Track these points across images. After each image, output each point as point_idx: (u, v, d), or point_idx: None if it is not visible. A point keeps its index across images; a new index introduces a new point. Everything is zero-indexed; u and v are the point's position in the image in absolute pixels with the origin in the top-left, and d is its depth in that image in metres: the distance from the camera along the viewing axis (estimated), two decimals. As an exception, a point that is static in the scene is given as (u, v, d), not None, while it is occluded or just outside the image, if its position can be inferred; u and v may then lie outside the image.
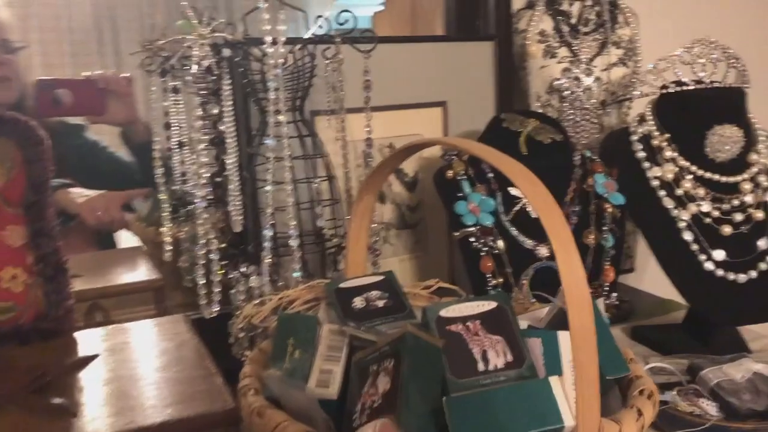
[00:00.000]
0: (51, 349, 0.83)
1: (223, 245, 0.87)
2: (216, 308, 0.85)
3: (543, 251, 0.90)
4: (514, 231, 0.89)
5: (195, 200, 0.82)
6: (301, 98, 0.84)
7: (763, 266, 0.97)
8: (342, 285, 0.74)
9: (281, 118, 0.78)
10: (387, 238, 1.00)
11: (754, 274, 0.96)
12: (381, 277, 0.75)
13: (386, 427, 0.48)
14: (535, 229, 0.91)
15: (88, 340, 0.85)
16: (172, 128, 1.10)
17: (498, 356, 0.58)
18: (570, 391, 0.53)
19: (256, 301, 0.81)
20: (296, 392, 0.57)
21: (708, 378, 0.83)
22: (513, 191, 0.90)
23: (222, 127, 0.81)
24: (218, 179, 0.84)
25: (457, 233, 0.89)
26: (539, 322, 0.69)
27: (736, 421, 0.79)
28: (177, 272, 1.15)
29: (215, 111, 0.80)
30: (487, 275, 0.87)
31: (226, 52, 0.80)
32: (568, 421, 0.50)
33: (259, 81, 0.81)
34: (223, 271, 0.87)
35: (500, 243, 0.88)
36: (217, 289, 0.85)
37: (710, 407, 0.81)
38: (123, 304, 1.12)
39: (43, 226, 0.84)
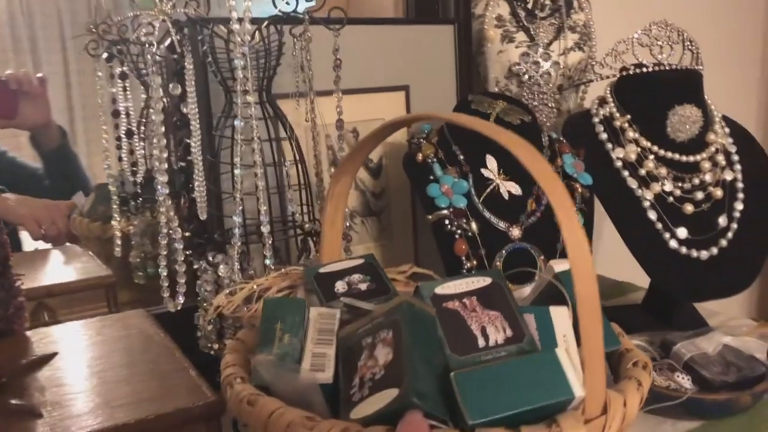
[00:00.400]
0: (2, 349, 0.77)
1: (187, 234, 0.82)
2: (181, 300, 0.81)
3: (515, 233, 0.89)
4: (486, 213, 0.88)
5: (157, 186, 0.77)
6: (269, 78, 0.80)
7: (723, 243, 0.99)
8: (322, 270, 0.71)
9: (249, 98, 0.74)
10: (351, 225, 0.97)
11: (715, 251, 0.99)
12: (361, 261, 0.73)
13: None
14: (507, 210, 0.90)
15: (42, 339, 0.80)
16: (121, 116, 1.06)
17: (498, 332, 0.57)
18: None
19: (227, 291, 0.77)
20: (291, 377, 0.54)
21: (681, 352, 0.84)
22: (485, 173, 0.89)
23: (185, 109, 0.77)
24: (182, 164, 0.79)
25: (431, 216, 0.87)
26: (524, 301, 0.68)
27: (710, 393, 0.80)
28: (126, 268, 1.10)
29: (177, 92, 0.75)
30: (462, 258, 0.86)
31: (189, 29, 0.76)
32: (578, 392, 0.50)
33: (225, 60, 0.77)
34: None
35: (473, 225, 0.87)
36: (182, 280, 0.80)
37: (685, 381, 0.82)
38: (71, 303, 1.06)
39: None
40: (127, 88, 1.04)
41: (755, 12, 1.88)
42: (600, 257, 1.35)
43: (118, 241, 1.06)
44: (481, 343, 0.56)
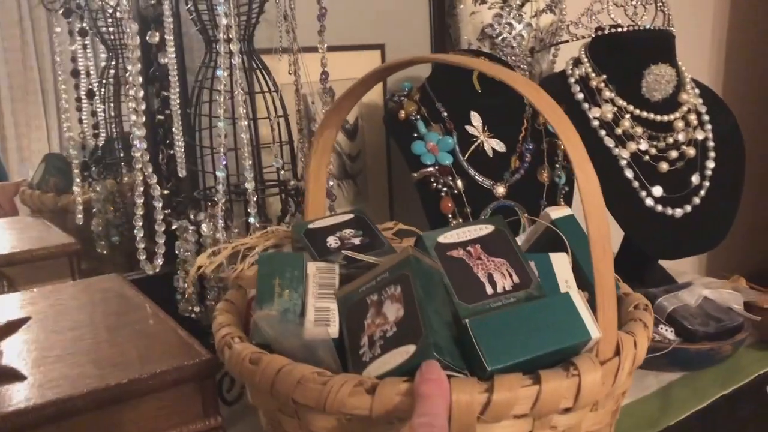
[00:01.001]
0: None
1: (166, 192, 0.79)
2: (160, 262, 0.77)
3: (500, 190, 0.88)
4: (471, 171, 0.87)
5: (133, 142, 0.73)
6: (251, 27, 0.77)
7: (696, 201, 1.01)
8: (311, 226, 0.69)
9: (233, 47, 0.71)
10: (333, 185, 0.95)
11: (688, 208, 1.00)
12: (350, 216, 0.71)
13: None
14: (492, 168, 0.90)
15: (9, 305, 0.75)
16: (81, 75, 1.00)
17: (504, 278, 0.56)
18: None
19: (210, 250, 0.74)
20: (297, 329, 0.52)
21: (664, 306, 0.86)
22: (470, 130, 0.88)
23: (164, 60, 0.73)
24: (160, 117, 0.76)
25: (416, 174, 0.85)
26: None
27: (693, 344, 0.82)
28: (87, 238, 1.05)
29: (155, 40, 0.71)
30: (448, 215, 0.85)
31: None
32: (594, 333, 0.49)
33: (206, 8, 0.73)
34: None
35: (459, 183, 0.86)
36: (161, 240, 0.77)
37: (668, 333, 0.84)
38: (32, 273, 1.01)
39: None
40: (87, 47, 0.99)
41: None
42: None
43: (80, 207, 1.01)
44: (489, 290, 0.55)
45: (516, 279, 0.56)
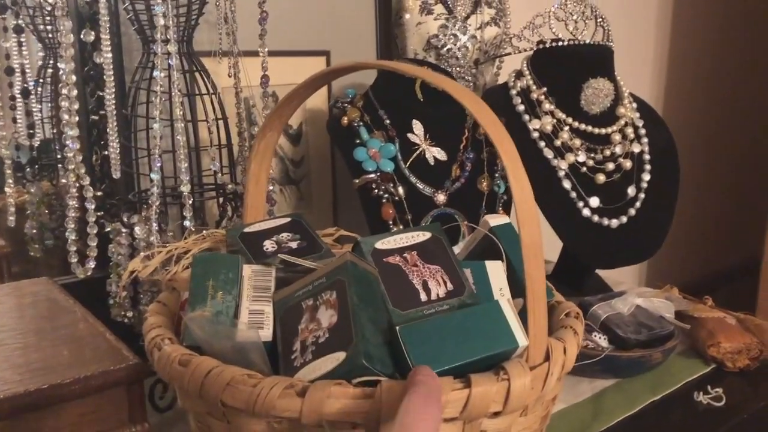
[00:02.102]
0: None
1: (99, 194, 0.76)
2: (92, 265, 0.75)
3: (441, 198, 0.89)
4: (413, 178, 0.88)
5: (66, 142, 0.71)
6: (191, 29, 0.76)
7: (632, 212, 1.03)
8: (247, 230, 0.68)
9: (170, 48, 0.70)
10: (274, 190, 0.94)
11: (624, 219, 1.03)
12: (288, 219, 0.70)
13: None
14: (432, 176, 0.90)
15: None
16: (15, 73, 0.97)
17: (439, 285, 0.56)
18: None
19: (144, 254, 0.72)
20: (229, 332, 0.51)
21: (598, 313, 0.87)
22: (412, 138, 0.88)
23: (98, 59, 0.71)
24: (94, 117, 0.74)
25: (358, 180, 0.85)
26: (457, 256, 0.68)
27: (625, 351, 0.84)
28: (19, 241, 1.01)
29: (90, 38, 0.69)
30: (389, 222, 0.85)
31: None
32: (522, 341, 0.50)
33: (143, 8, 0.72)
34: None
35: (400, 190, 0.86)
36: (93, 243, 0.75)
37: (602, 340, 0.85)
38: (-46, 275, 0.97)
39: None
40: (23, 44, 0.96)
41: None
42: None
43: (12, 209, 0.98)
44: (423, 297, 0.55)
45: (450, 286, 0.56)
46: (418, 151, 0.89)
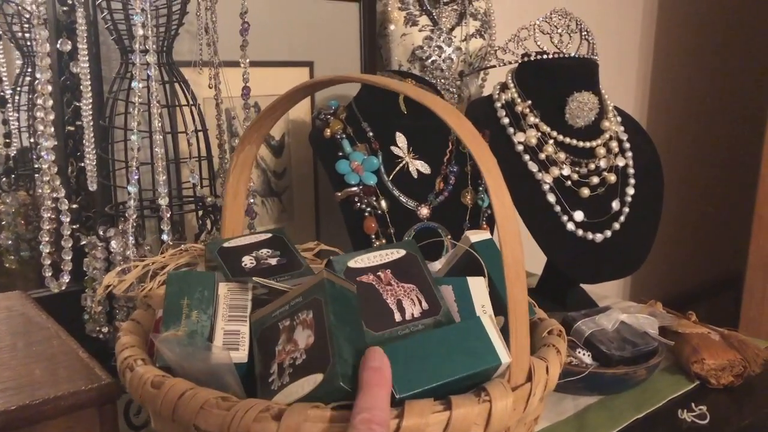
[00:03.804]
0: None
1: (74, 206, 0.75)
2: (66, 279, 0.73)
3: (424, 211, 0.88)
4: (396, 192, 0.87)
5: (41, 153, 0.70)
6: (170, 39, 0.75)
7: (616, 226, 1.03)
8: (226, 245, 0.67)
9: (149, 58, 0.69)
10: (255, 202, 0.93)
11: (608, 233, 1.02)
12: (269, 235, 0.69)
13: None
14: (416, 189, 0.89)
15: None
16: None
17: (414, 305, 0.55)
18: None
19: (119, 269, 0.71)
20: (202, 355, 0.49)
21: (582, 330, 0.86)
22: (395, 150, 0.87)
23: (75, 69, 0.70)
24: (70, 128, 0.72)
25: (340, 193, 0.84)
26: (437, 273, 0.67)
27: (609, 368, 0.83)
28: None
29: (67, 48, 0.68)
30: (371, 236, 0.84)
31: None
32: (505, 358, 0.49)
33: (122, 17, 0.71)
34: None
35: (383, 203, 0.85)
36: (67, 257, 0.73)
37: (586, 357, 0.85)
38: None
39: None
40: (0, 51, 0.94)
41: (635, 7, 2.00)
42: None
43: (-12, 222, 0.96)
44: (397, 317, 0.54)
45: (425, 305, 0.55)
46: (401, 164, 0.88)
